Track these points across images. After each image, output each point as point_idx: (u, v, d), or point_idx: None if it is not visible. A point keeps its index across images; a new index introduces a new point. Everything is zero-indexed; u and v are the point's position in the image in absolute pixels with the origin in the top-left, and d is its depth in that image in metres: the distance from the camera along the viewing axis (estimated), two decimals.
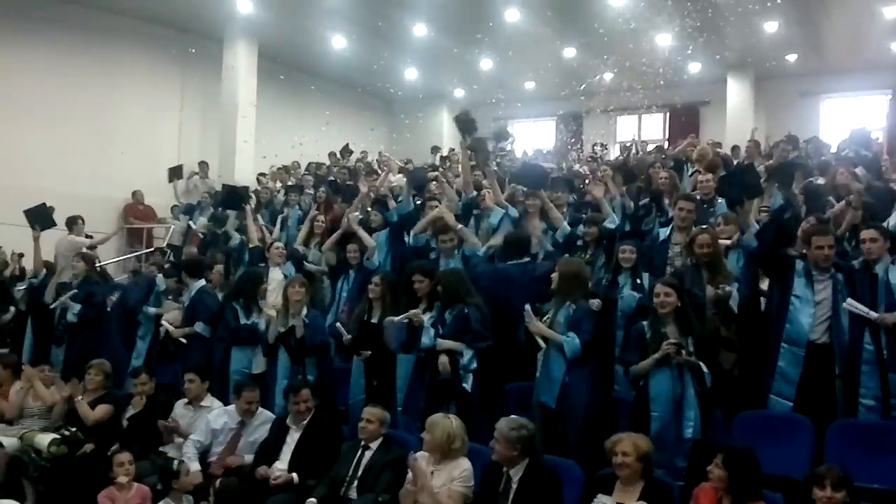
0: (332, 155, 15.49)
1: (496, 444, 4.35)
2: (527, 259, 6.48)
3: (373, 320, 6.10)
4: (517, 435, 4.33)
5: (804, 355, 5.23)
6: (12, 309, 8.54)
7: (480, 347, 5.57)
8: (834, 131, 14.02)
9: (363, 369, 6.13)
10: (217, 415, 5.85)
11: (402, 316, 5.71)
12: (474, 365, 5.51)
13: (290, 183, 13.22)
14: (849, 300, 5.11)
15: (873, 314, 5.03)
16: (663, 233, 6.52)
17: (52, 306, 7.88)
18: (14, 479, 6.04)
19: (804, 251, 5.54)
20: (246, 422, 5.72)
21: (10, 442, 6.20)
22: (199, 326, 7.02)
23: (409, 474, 4.57)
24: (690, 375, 4.81)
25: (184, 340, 7.07)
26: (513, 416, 4.53)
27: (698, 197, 7.19)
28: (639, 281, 6.04)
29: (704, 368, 4.81)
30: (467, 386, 5.47)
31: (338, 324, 6.47)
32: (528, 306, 5.38)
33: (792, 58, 15.03)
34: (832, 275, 5.31)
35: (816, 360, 5.22)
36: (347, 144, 15.70)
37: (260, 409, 5.82)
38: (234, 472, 5.39)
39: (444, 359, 5.46)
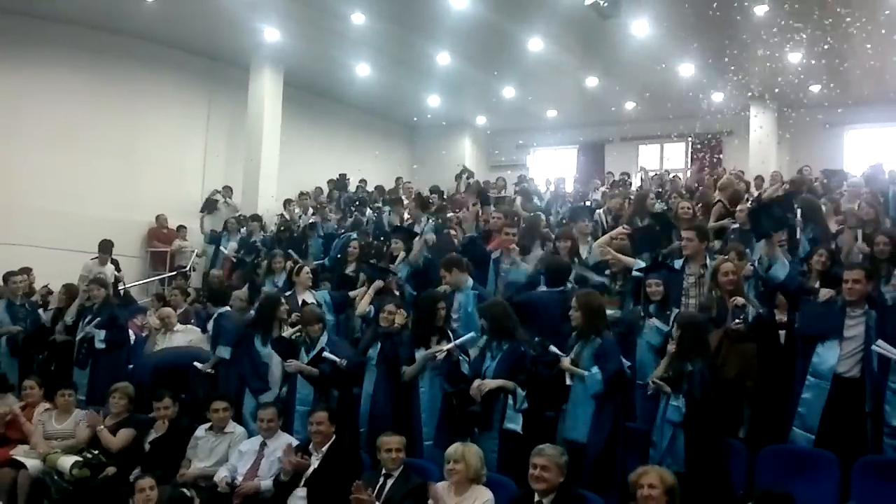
0: (331, 182, 15.51)
1: (545, 472, 4.32)
2: (561, 289, 6.49)
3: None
4: (565, 461, 4.39)
5: (830, 389, 5.19)
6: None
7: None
8: (858, 162, 13.94)
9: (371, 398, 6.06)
10: (244, 439, 5.95)
11: (439, 349, 5.61)
12: (526, 405, 5.37)
13: (310, 210, 13.37)
14: (878, 342, 5.02)
15: None
16: (677, 264, 6.54)
17: (78, 336, 7.91)
18: (36, 501, 6.10)
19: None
20: (267, 442, 5.74)
21: (33, 464, 6.25)
22: (220, 350, 6.97)
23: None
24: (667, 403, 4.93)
25: (211, 371, 7.02)
26: (547, 443, 4.53)
27: (736, 226, 7.30)
28: (668, 313, 5.97)
29: (674, 402, 4.89)
30: (517, 427, 5.30)
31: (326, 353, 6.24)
32: (552, 347, 5.35)
33: (816, 88, 14.98)
34: (866, 311, 5.25)
35: (843, 393, 5.16)
36: (344, 175, 15.65)
37: (280, 431, 5.83)
38: (251, 499, 5.40)
39: (476, 388, 5.33)
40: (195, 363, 7.10)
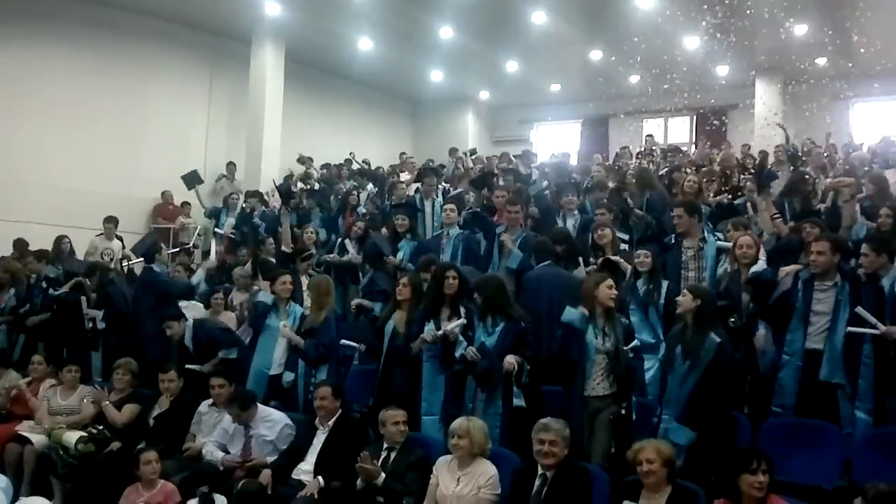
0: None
1: (554, 447, 4.36)
2: (549, 262, 6.56)
3: (398, 326, 6.05)
4: (569, 434, 4.45)
5: (802, 365, 5.22)
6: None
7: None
8: (864, 135, 13.85)
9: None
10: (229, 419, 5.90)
11: (440, 332, 5.55)
12: (526, 379, 5.38)
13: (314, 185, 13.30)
14: (859, 308, 5.03)
15: (881, 327, 4.97)
16: (674, 237, 6.63)
17: (87, 326, 7.85)
18: (42, 477, 6.13)
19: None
20: (247, 423, 5.69)
21: (39, 439, 6.29)
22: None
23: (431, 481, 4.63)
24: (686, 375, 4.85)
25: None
26: (549, 418, 4.54)
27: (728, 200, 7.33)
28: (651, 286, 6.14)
29: (695, 375, 4.80)
30: (522, 402, 5.30)
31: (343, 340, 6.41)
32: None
33: (822, 61, 14.84)
34: (836, 283, 5.25)
35: (815, 367, 5.17)
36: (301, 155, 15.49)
37: (261, 407, 5.79)
38: (254, 473, 5.42)
39: (509, 364, 5.28)
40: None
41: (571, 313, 5.27)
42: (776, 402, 5.30)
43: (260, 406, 5.79)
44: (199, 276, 9.23)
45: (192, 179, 12.13)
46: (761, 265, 5.77)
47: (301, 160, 15.20)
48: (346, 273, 8.69)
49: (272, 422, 5.72)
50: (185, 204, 13.85)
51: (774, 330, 5.46)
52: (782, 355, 5.32)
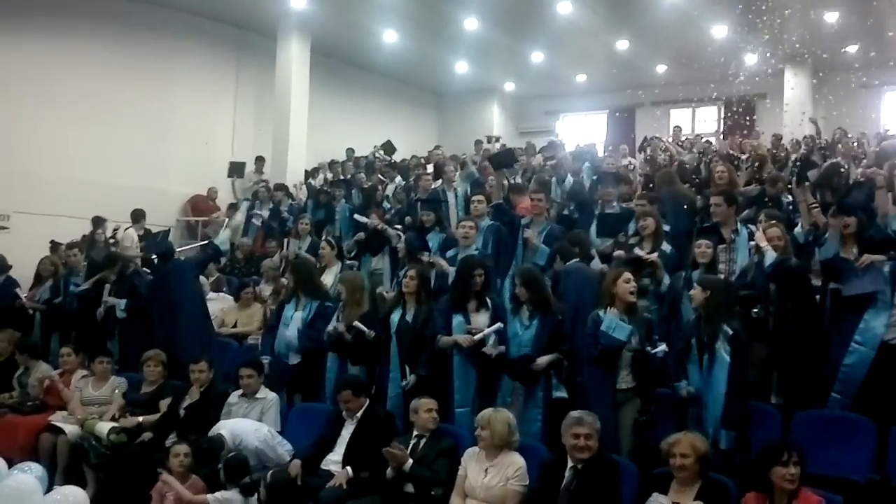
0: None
1: (589, 440, 4.33)
2: (577, 259, 6.42)
3: (407, 316, 6.03)
4: (600, 426, 4.40)
5: (875, 356, 5.12)
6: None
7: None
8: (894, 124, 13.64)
9: (399, 364, 6.02)
10: (275, 405, 6.06)
11: (477, 336, 5.53)
12: (563, 374, 5.42)
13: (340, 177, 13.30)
14: None
15: None
16: None
17: (99, 311, 7.91)
18: (76, 466, 6.22)
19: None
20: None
21: (72, 429, 6.37)
22: None
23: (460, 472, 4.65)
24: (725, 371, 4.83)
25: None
26: (580, 411, 4.52)
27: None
28: None
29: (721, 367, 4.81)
30: (564, 394, 5.37)
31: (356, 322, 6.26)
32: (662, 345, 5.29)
33: (852, 49, 14.60)
34: None
35: (889, 360, 5.09)
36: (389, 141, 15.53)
37: (226, 440, 5.51)
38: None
39: (540, 364, 5.33)
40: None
41: (624, 330, 5.13)
42: (839, 389, 5.21)
43: (225, 440, 5.49)
44: (224, 235, 9.25)
45: (235, 169, 12.51)
46: (770, 256, 5.60)
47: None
48: (373, 242, 8.68)
49: (244, 447, 5.48)
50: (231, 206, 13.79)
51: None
52: (852, 344, 5.22)
